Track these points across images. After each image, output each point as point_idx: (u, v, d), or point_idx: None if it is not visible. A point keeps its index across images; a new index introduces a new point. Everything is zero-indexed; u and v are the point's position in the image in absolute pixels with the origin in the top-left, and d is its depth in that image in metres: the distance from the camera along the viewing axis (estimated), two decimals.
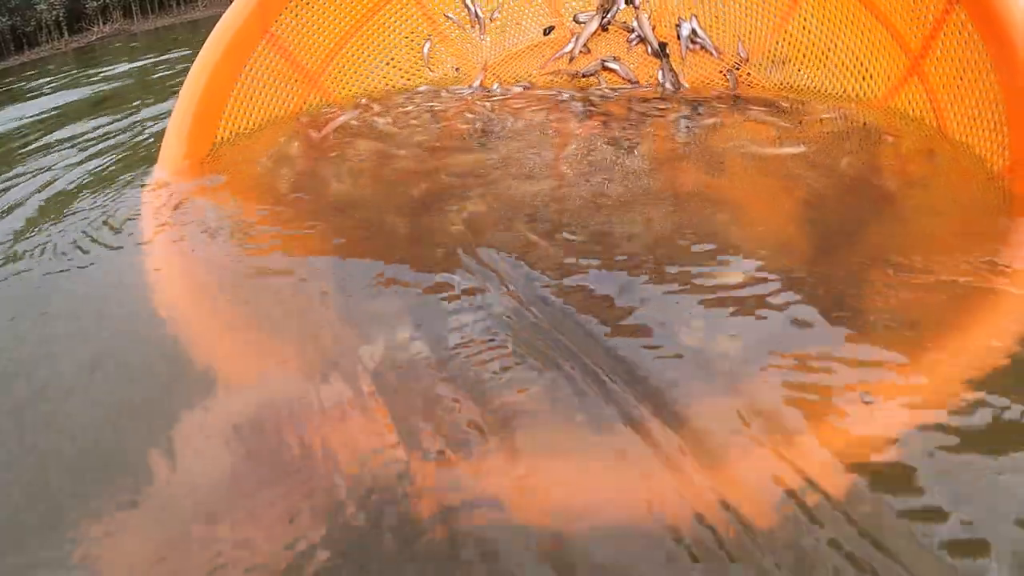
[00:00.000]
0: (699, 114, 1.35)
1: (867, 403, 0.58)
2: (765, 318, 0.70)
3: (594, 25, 1.64)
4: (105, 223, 1.18)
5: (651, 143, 1.24)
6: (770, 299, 0.72)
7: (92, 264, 1.03)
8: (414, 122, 1.38)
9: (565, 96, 1.49)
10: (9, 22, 7.48)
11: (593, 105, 1.44)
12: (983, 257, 0.74)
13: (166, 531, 0.59)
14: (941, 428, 0.55)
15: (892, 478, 0.52)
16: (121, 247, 1.06)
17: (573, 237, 0.88)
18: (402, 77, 1.62)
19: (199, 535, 0.58)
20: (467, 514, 0.56)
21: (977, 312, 0.66)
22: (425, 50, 1.62)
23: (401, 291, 0.83)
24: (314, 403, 0.67)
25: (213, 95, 1.31)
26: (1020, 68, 0.90)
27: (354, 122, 1.40)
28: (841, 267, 0.78)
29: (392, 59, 1.60)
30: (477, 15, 1.64)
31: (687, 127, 1.30)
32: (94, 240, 1.10)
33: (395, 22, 1.60)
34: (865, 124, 1.21)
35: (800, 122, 1.24)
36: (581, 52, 1.64)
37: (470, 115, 1.41)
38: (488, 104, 1.46)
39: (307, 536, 0.56)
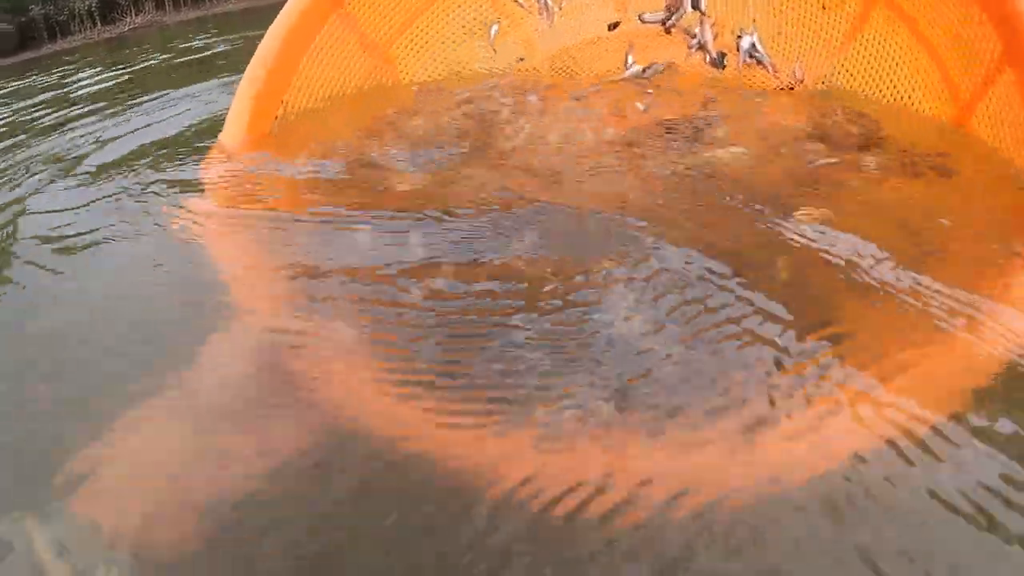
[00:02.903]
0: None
1: None
2: None
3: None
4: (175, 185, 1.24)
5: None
6: None
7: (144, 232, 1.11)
8: (463, 118, 1.40)
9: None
10: (43, 11, 7.57)
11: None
12: None
13: (192, 427, 0.68)
14: None
15: None
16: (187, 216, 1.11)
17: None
18: (465, 60, 1.63)
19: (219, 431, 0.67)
20: None
21: None
22: (492, 32, 1.62)
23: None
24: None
25: (281, 68, 1.32)
26: None
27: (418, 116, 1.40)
28: None
29: (457, 41, 1.61)
30: (546, 3, 1.65)
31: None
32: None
33: (462, 5, 1.61)
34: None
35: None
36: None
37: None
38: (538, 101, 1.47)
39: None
